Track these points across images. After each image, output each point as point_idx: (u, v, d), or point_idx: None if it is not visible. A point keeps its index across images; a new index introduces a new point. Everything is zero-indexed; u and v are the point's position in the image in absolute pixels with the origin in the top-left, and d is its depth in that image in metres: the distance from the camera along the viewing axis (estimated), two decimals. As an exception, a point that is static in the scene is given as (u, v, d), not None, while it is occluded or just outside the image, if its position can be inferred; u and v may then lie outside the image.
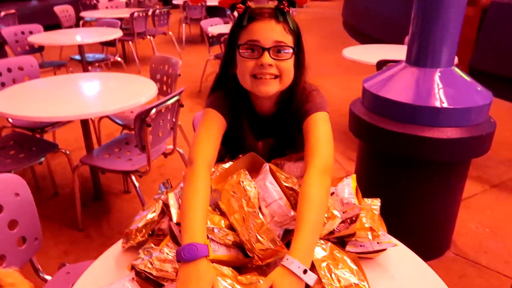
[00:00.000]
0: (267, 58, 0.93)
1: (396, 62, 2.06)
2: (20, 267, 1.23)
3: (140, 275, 0.84)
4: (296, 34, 0.99)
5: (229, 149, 1.10)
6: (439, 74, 1.76)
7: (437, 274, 0.90)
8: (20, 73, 2.75)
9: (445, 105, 1.67)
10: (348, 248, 0.91)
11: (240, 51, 0.96)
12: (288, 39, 0.96)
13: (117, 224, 2.32)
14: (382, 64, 2.62)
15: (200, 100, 4.36)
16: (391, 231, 1.00)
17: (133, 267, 0.85)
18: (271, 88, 0.97)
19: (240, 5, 0.96)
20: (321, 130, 0.96)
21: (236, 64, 1.00)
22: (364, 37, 7.06)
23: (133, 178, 2.03)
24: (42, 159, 2.20)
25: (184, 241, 0.78)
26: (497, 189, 2.64)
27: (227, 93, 1.04)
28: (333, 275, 0.77)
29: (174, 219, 0.86)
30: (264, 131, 1.09)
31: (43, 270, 1.36)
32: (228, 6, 0.97)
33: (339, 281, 0.77)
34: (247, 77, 0.97)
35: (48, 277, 1.35)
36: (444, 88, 1.73)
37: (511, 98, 3.71)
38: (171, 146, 2.27)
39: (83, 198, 2.37)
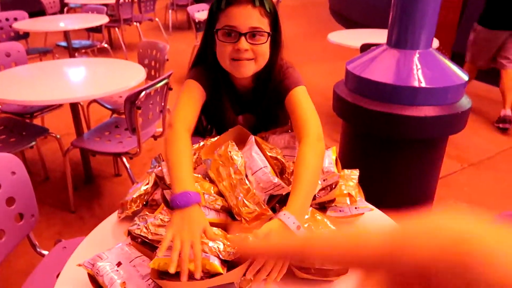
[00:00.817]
0: (243, 43, 0.99)
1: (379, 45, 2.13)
2: (18, 243, 1.29)
3: (136, 240, 0.91)
4: (273, 16, 1.04)
5: (211, 122, 1.17)
6: (418, 55, 1.84)
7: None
8: (7, 60, 2.75)
9: (423, 84, 1.76)
10: (328, 213, 0.99)
11: (219, 34, 1.02)
12: (264, 23, 1.01)
13: (109, 206, 2.38)
14: (365, 48, 2.69)
15: (188, 86, 4.38)
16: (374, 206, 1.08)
17: (129, 233, 0.92)
18: (248, 70, 1.04)
19: None
20: (304, 102, 1.03)
21: (215, 43, 1.06)
22: (350, 23, 7.12)
23: (124, 159, 2.09)
24: (33, 143, 2.23)
25: (176, 190, 0.84)
26: (475, 167, 2.76)
27: (207, 68, 1.10)
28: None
29: (168, 180, 0.92)
30: (244, 106, 1.15)
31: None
32: None
33: (319, 238, 0.84)
34: (226, 60, 1.04)
35: (45, 252, 1.41)
36: (423, 68, 1.81)
37: (489, 80, 3.83)
38: (160, 129, 2.32)
39: (74, 182, 2.41)
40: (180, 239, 0.77)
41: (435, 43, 3.04)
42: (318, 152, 0.93)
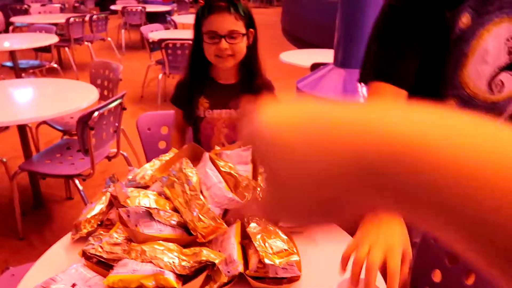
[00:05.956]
0: (223, 44, 1.25)
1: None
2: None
3: (91, 260, 0.90)
4: (248, 15, 1.29)
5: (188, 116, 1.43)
6: (362, 74, 1.98)
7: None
8: None
9: (367, 101, 1.88)
10: (280, 224, 1.04)
11: (204, 37, 1.27)
12: (239, 25, 1.26)
13: (60, 230, 2.29)
14: (316, 67, 2.82)
15: (142, 105, 4.34)
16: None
17: (84, 253, 0.91)
18: (229, 63, 1.31)
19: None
20: None
21: (201, 41, 1.30)
22: (302, 43, 7.40)
23: (77, 182, 2.03)
24: (-23, 168, 2.13)
25: None
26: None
27: (190, 74, 1.37)
28: (266, 244, 0.89)
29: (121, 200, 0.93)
30: (223, 101, 1.38)
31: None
32: None
33: (272, 248, 0.89)
34: (212, 57, 1.30)
35: (-8, 282, 1.34)
36: (367, 86, 1.94)
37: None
38: (114, 150, 2.29)
39: (22, 207, 2.30)
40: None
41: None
42: None
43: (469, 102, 0.98)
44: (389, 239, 0.71)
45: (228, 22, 1.24)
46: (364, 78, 0.99)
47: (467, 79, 0.96)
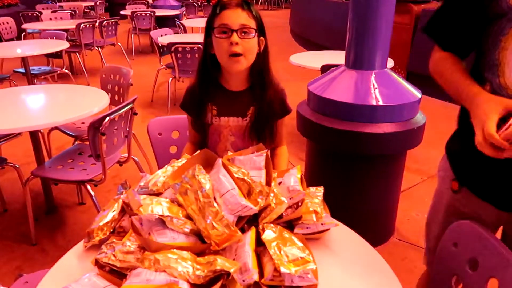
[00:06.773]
0: (235, 37, 1.21)
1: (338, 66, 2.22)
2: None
3: (104, 268, 0.89)
4: (259, 20, 1.28)
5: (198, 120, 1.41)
6: (374, 75, 1.94)
7: (373, 248, 1.03)
8: (-40, 88, 2.64)
9: (380, 103, 1.85)
10: (296, 230, 1.01)
11: (215, 32, 1.24)
12: (252, 23, 1.24)
13: (73, 236, 2.29)
14: (326, 69, 2.79)
15: (152, 109, 4.35)
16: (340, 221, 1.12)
17: (96, 261, 0.90)
18: (241, 65, 1.26)
19: None
20: (284, 126, 1.45)
21: (212, 45, 1.28)
22: (310, 44, 7.37)
23: (88, 187, 2.03)
24: (-10, 174, 2.14)
25: None
26: (434, 179, 2.89)
27: (200, 81, 1.35)
28: (282, 252, 0.87)
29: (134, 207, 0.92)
30: (230, 108, 1.36)
31: (-1, 283, 1.35)
32: None
33: (287, 256, 0.86)
34: (224, 56, 1.25)
35: (5, 289, 1.34)
36: (379, 88, 1.90)
37: (443, 97, 4.06)
38: (125, 155, 2.29)
39: (35, 212, 2.31)
40: None
41: (390, 63, 3.20)
42: (287, 151, 1.49)
43: (498, 93, 0.88)
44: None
45: (241, 17, 1.22)
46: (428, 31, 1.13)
47: (505, 67, 0.86)
